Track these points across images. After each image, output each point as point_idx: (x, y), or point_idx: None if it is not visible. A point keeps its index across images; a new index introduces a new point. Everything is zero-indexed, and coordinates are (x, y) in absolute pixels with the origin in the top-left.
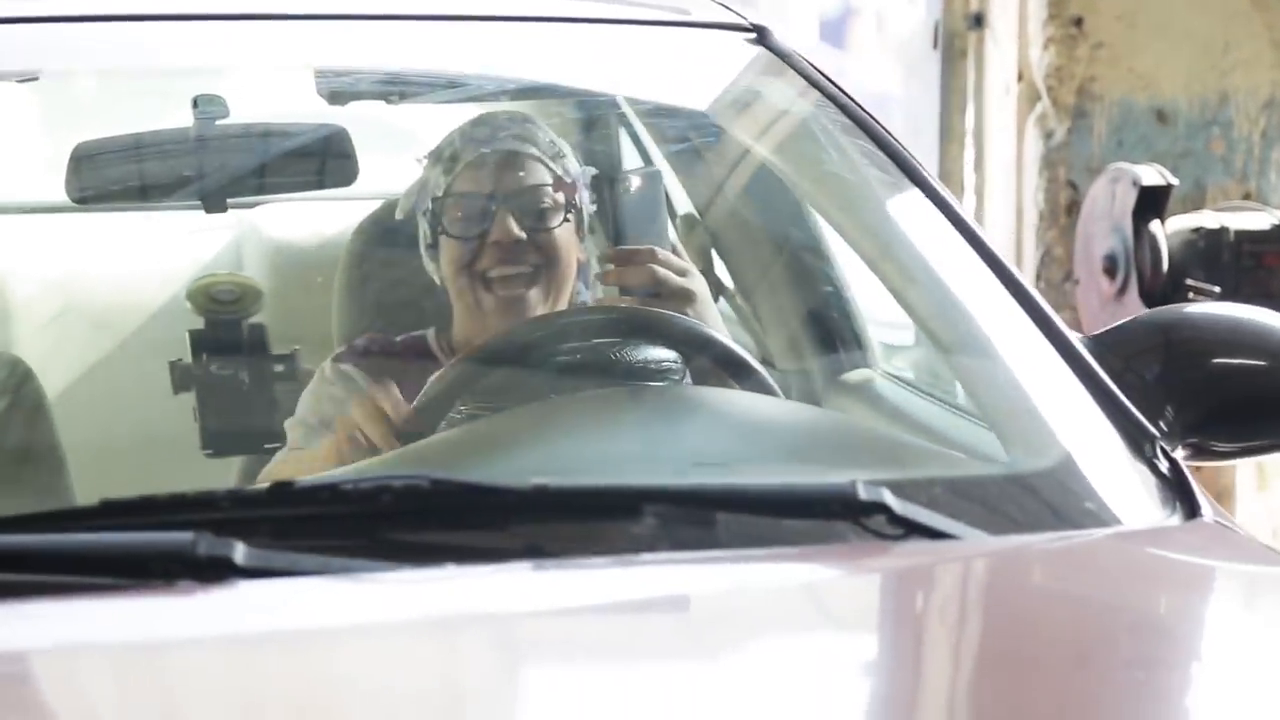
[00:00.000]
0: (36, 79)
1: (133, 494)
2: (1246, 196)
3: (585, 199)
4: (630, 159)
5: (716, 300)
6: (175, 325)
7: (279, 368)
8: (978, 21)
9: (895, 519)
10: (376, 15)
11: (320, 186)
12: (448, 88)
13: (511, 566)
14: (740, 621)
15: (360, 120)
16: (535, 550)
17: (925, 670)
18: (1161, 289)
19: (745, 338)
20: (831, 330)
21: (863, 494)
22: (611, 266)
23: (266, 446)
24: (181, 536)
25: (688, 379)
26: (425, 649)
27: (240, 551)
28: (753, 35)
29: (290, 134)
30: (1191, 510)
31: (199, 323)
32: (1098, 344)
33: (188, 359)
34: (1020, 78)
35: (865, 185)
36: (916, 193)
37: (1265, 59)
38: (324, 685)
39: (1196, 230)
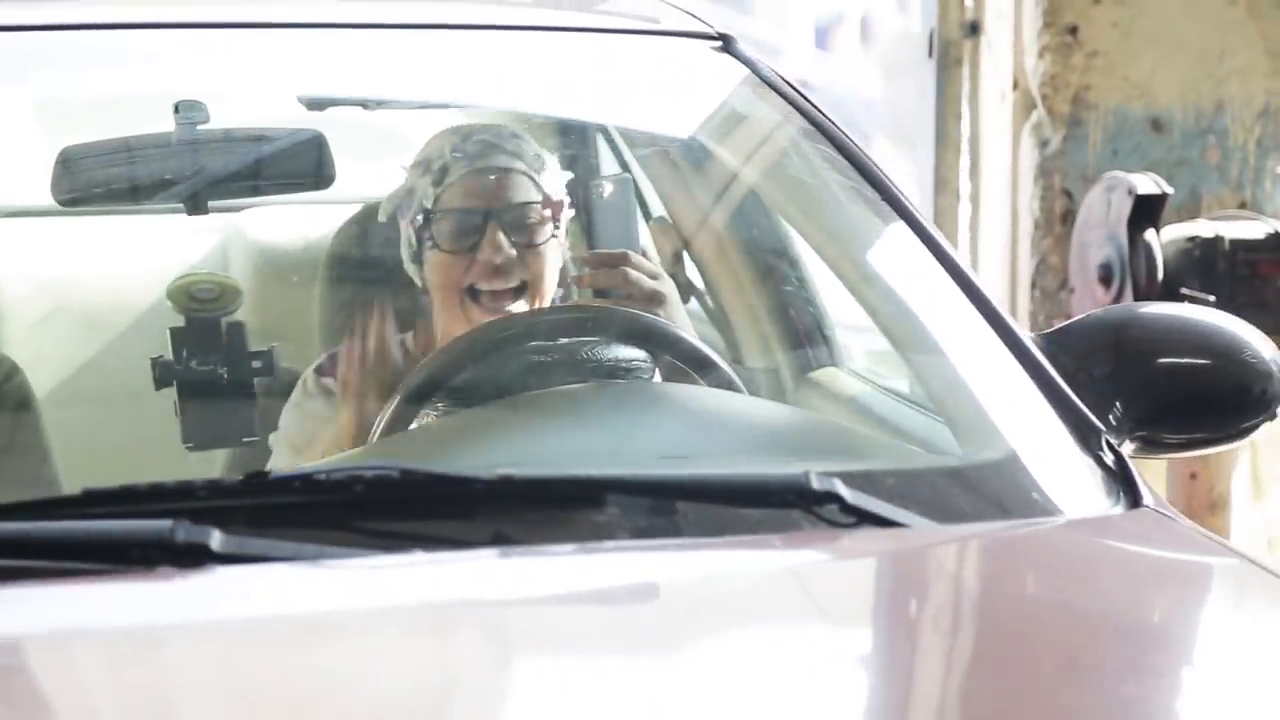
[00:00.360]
0: None
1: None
2: (1242, 205)
3: (567, 210)
4: (605, 163)
5: (687, 301)
6: (162, 325)
7: (257, 364)
8: (973, 29)
9: (847, 508)
10: (352, 24)
11: (298, 190)
12: (422, 95)
13: (478, 553)
14: (699, 606)
15: (337, 126)
16: (501, 538)
17: (872, 650)
18: (1157, 297)
19: (715, 337)
20: (799, 330)
21: (816, 484)
22: (586, 270)
23: (245, 440)
24: (160, 524)
25: (656, 377)
26: (395, 633)
27: (217, 538)
28: (718, 43)
29: (269, 139)
30: (1134, 500)
31: (180, 321)
32: (1050, 342)
33: (170, 356)
34: (1015, 86)
35: (825, 189)
36: (875, 196)
37: (1260, 68)
38: (297, 667)
39: (1192, 239)
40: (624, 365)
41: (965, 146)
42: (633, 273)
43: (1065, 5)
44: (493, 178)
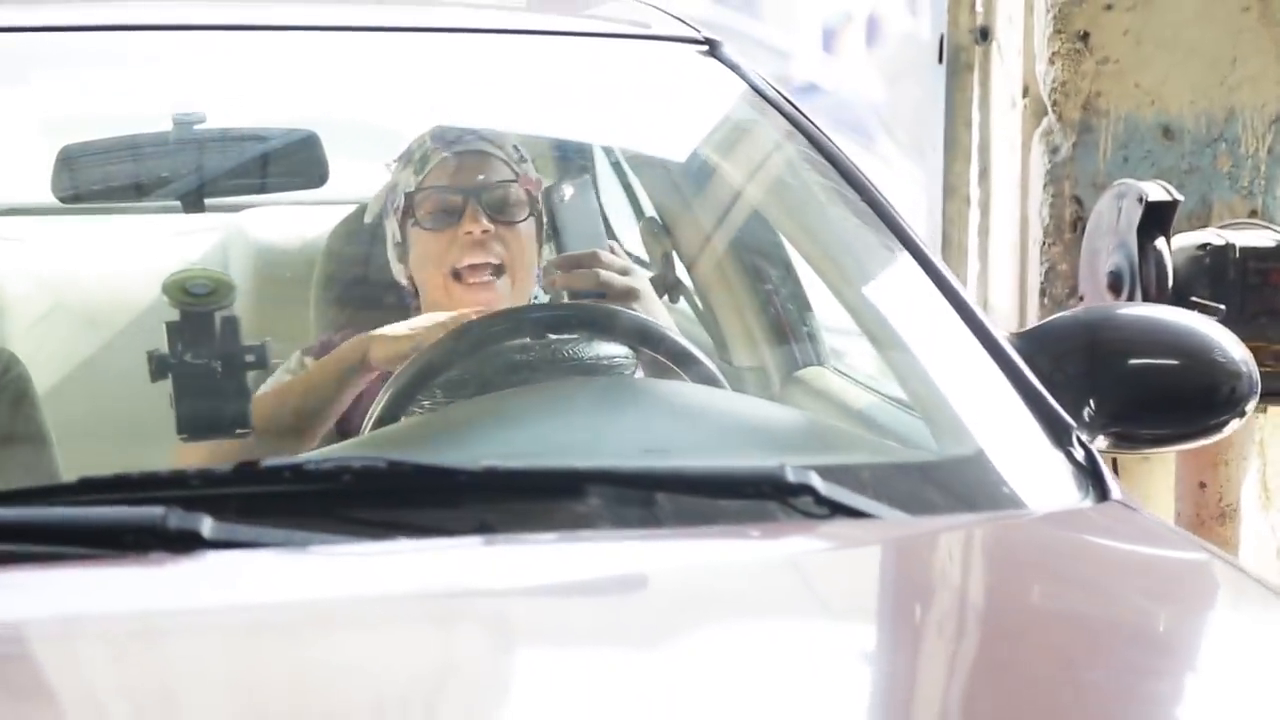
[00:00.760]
0: None
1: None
2: (1253, 213)
3: (543, 206)
4: (595, 165)
5: (676, 300)
6: (161, 322)
7: (250, 357)
8: (983, 35)
9: (821, 500)
10: (341, 27)
11: (292, 188)
12: (410, 99)
13: (463, 541)
14: (678, 593)
15: (332, 126)
16: (486, 527)
17: (841, 636)
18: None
19: (703, 336)
20: (785, 329)
21: (791, 476)
22: (557, 272)
23: (238, 431)
24: (153, 511)
25: (639, 373)
26: (382, 617)
27: (208, 525)
28: (705, 48)
29: (264, 138)
30: (1103, 494)
31: (176, 315)
32: (1027, 340)
33: (165, 350)
34: (1026, 92)
35: (808, 191)
36: (856, 198)
37: (1272, 75)
38: (285, 650)
39: (1202, 247)
40: (605, 362)
41: (975, 153)
42: (603, 272)
43: (1076, 11)
44: (472, 160)
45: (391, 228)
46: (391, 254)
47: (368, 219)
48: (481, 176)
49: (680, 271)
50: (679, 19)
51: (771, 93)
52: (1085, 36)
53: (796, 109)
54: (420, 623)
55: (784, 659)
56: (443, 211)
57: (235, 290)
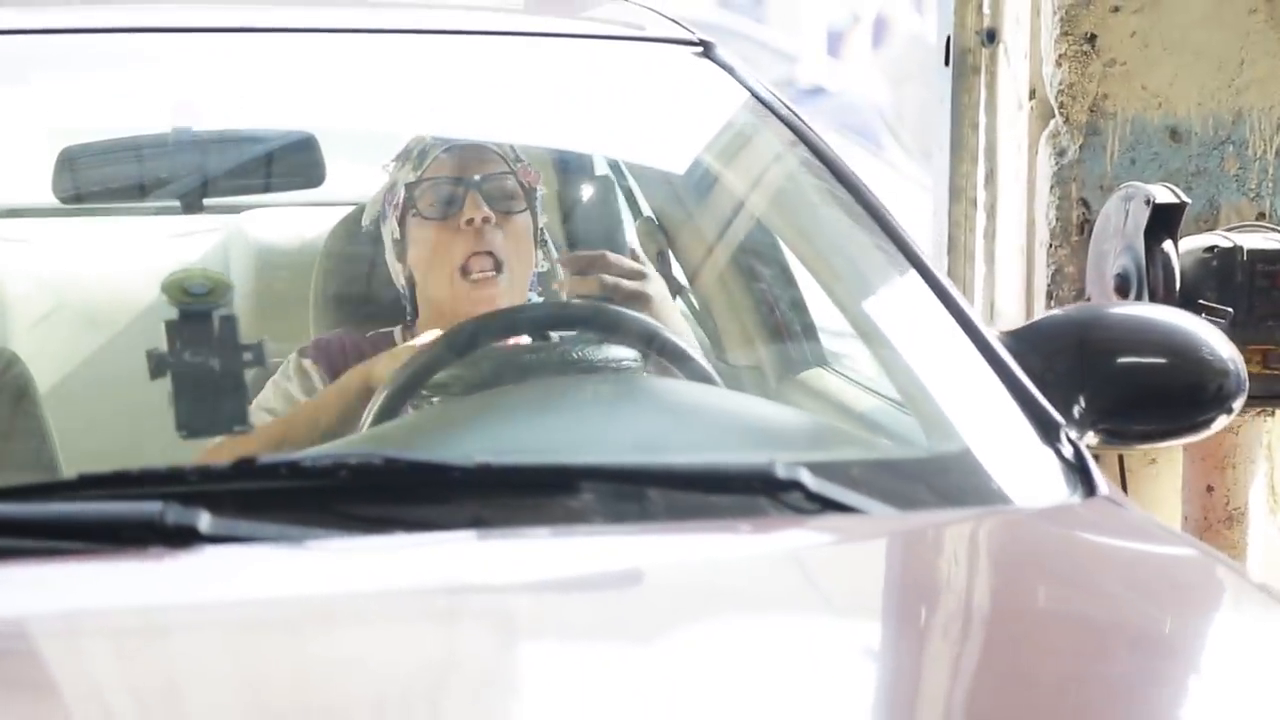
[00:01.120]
0: None
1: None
2: (1260, 216)
3: (539, 204)
4: (594, 166)
5: (674, 299)
6: (162, 322)
7: (247, 356)
8: (990, 38)
9: (810, 495)
10: (337, 29)
11: (290, 188)
12: (406, 100)
13: (457, 535)
14: (669, 586)
15: (329, 128)
16: (480, 521)
17: (826, 627)
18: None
19: (701, 336)
20: (782, 329)
21: (780, 472)
22: (565, 271)
23: (236, 428)
24: (151, 506)
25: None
26: (377, 610)
27: (205, 520)
28: (699, 49)
29: (262, 140)
30: (1090, 490)
31: (174, 314)
32: (1018, 339)
33: (164, 348)
34: (1033, 95)
35: (800, 191)
36: (849, 198)
37: None
38: (281, 642)
39: (1210, 250)
40: (609, 365)
41: (981, 155)
42: (608, 277)
43: (1083, 14)
44: (470, 153)
45: (390, 227)
46: (390, 254)
47: (366, 221)
48: (479, 165)
49: (676, 271)
50: (674, 21)
51: (765, 94)
52: (1092, 39)
53: (790, 110)
54: (415, 616)
55: (773, 651)
56: (443, 201)
57: (233, 290)
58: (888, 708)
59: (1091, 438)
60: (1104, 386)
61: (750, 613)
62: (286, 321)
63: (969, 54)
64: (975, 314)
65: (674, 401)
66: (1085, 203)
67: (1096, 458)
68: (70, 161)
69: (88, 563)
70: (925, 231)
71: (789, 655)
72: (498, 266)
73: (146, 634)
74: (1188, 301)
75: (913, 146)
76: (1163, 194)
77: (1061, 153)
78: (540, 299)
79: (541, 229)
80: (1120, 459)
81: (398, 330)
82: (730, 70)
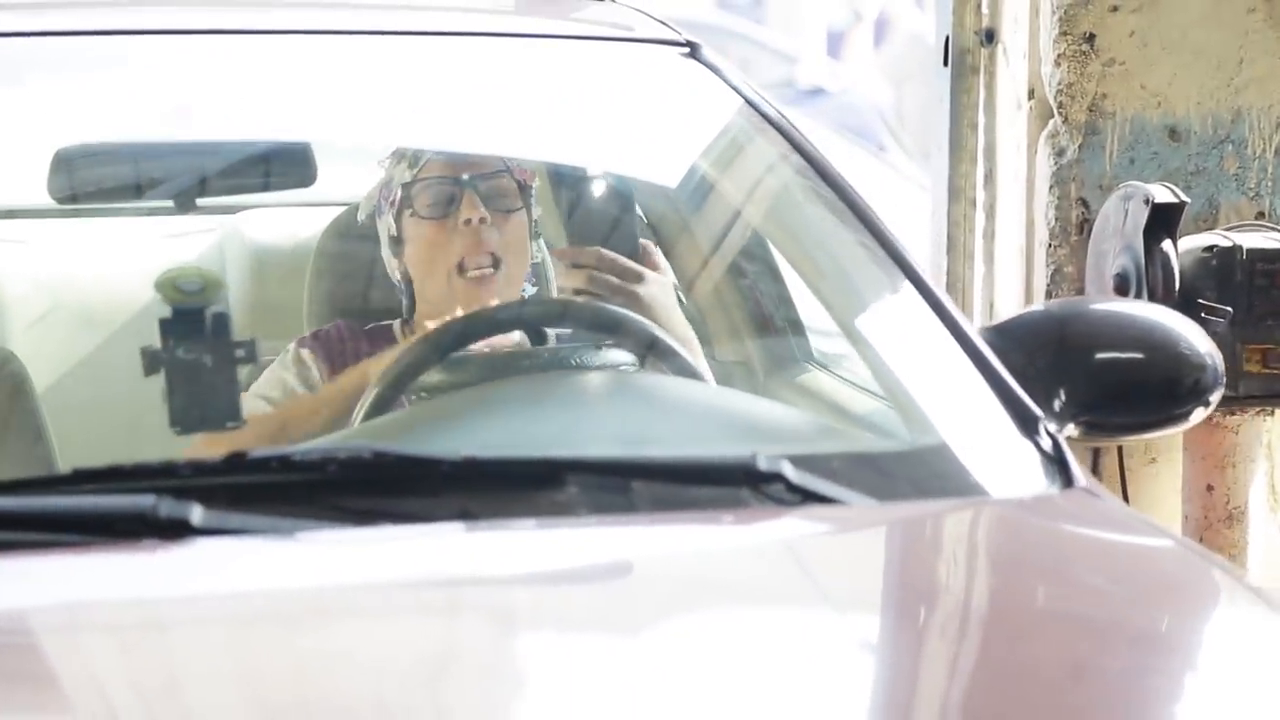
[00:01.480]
0: None
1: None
2: (1260, 215)
3: (534, 200)
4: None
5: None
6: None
7: (240, 352)
8: (989, 38)
9: (791, 487)
10: (331, 32)
11: (281, 188)
12: (394, 101)
13: (444, 527)
14: (653, 577)
15: (320, 128)
16: (467, 514)
17: (806, 615)
18: (1173, 308)
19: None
20: (773, 327)
21: (762, 465)
22: (562, 265)
23: (229, 424)
24: (143, 499)
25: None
26: (366, 600)
27: (197, 513)
28: (686, 50)
29: (254, 141)
30: (1068, 482)
31: (168, 312)
32: (1000, 334)
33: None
34: (1031, 94)
35: (785, 188)
36: (833, 196)
37: (1279, 76)
38: (271, 632)
39: (1209, 249)
40: (604, 363)
41: (980, 155)
42: (599, 273)
43: (1082, 13)
44: (465, 152)
45: (386, 223)
46: (386, 250)
47: (361, 216)
48: (476, 165)
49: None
50: (661, 22)
51: (750, 93)
52: (1091, 38)
53: (776, 109)
54: (404, 607)
55: (755, 638)
56: (440, 201)
57: (225, 287)
58: (868, 693)
59: (1072, 430)
60: (1083, 380)
61: (734, 601)
62: (282, 320)
63: (968, 54)
64: (957, 310)
65: (660, 397)
66: (1084, 202)
67: (1096, 459)
68: (64, 163)
69: (82, 555)
70: (925, 232)
71: (771, 642)
72: (495, 264)
73: (139, 625)
74: (1187, 301)
75: (913, 147)
76: (1162, 193)
77: (1060, 152)
78: (535, 289)
79: (535, 222)
80: (1120, 458)
81: (396, 324)
82: (716, 70)
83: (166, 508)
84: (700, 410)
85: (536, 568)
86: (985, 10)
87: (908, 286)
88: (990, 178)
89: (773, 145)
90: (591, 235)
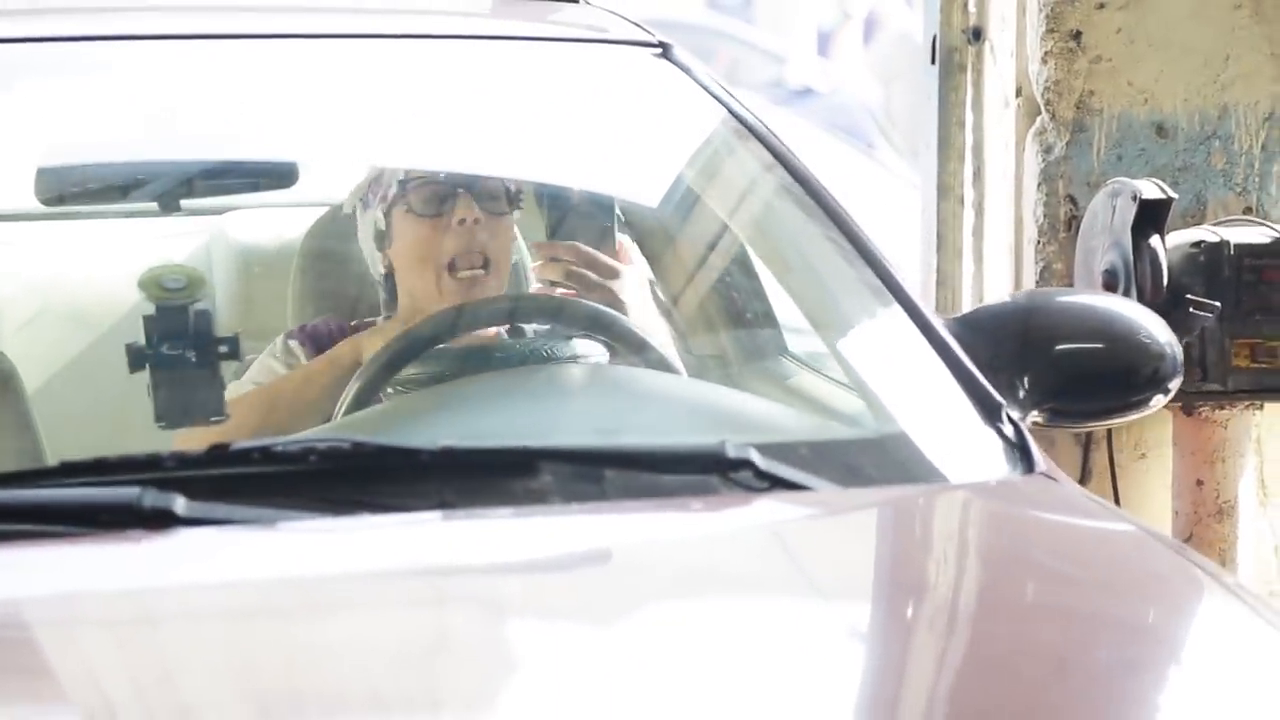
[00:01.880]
0: None
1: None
2: (1247, 210)
3: (520, 202)
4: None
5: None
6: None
7: (223, 349)
8: (976, 35)
9: (760, 474)
10: (307, 35)
11: (262, 189)
12: (371, 104)
13: (423, 516)
14: (626, 561)
15: (297, 131)
16: (444, 503)
17: (772, 598)
18: (1162, 303)
19: (667, 327)
20: (744, 320)
21: (731, 452)
22: (540, 259)
23: (213, 419)
24: (129, 491)
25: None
26: (345, 587)
27: (181, 503)
28: (658, 50)
29: (234, 143)
30: (1029, 467)
31: (152, 309)
32: (966, 324)
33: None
34: (1019, 92)
35: (753, 185)
36: (802, 193)
37: (1266, 72)
38: (254, 619)
39: (1197, 245)
40: (578, 356)
41: (968, 153)
42: (575, 267)
43: (1068, 11)
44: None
45: (373, 217)
46: (370, 243)
47: (347, 208)
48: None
49: (644, 265)
50: (635, 23)
51: (720, 92)
52: (1078, 35)
53: (744, 106)
54: (384, 593)
55: (725, 621)
56: (435, 198)
57: (208, 284)
58: (832, 673)
59: (1037, 417)
60: (1046, 369)
61: (706, 584)
62: (269, 320)
63: (955, 52)
64: (923, 302)
65: (633, 388)
66: (1072, 199)
67: (1086, 454)
68: (50, 167)
69: (69, 545)
70: (915, 229)
71: (740, 624)
72: (485, 265)
73: (124, 613)
74: (1176, 296)
75: (903, 145)
76: (1150, 190)
77: (1048, 149)
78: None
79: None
80: (1110, 453)
81: (379, 320)
82: (687, 70)
83: (151, 499)
84: (672, 401)
85: (514, 555)
86: (972, 9)
87: (874, 280)
88: (979, 175)
89: (742, 142)
90: (569, 232)
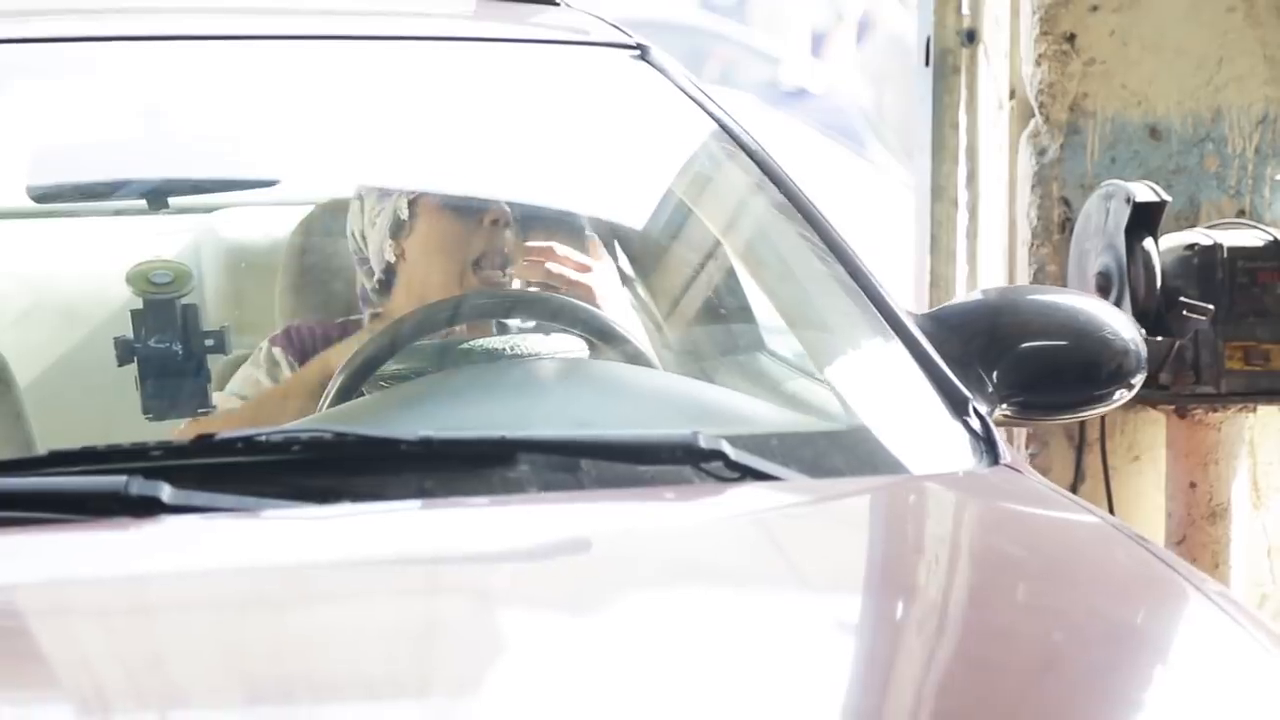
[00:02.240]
0: None
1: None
2: (1240, 213)
3: None
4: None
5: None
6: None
7: (210, 342)
8: (970, 38)
9: (731, 464)
10: (291, 36)
11: (249, 187)
12: (352, 106)
13: (402, 504)
14: (600, 549)
15: (279, 130)
16: (423, 492)
17: (741, 586)
18: (1155, 306)
19: (646, 323)
20: (720, 315)
21: (703, 443)
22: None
23: (199, 411)
24: (116, 479)
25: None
26: (327, 573)
27: (167, 491)
28: (636, 52)
29: (221, 142)
30: (995, 459)
31: (140, 304)
32: (936, 320)
33: (130, 335)
34: (1013, 94)
35: (729, 184)
36: (777, 193)
37: (1259, 75)
38: (238, 606)
39: (1190, 247)
40: (556, 349)
41: (962, 155)
42: (554, 266)
43: (1063, 13)
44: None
45: (395, 204)
46: (379, 232)
47: (353, 196)
48: None
49: (623, 263)
50: (614, 25)
51: (696, 93)
52: (1072, 38)
53: (720, 107)
54: (365, 580)
55: (696, 606)
56: (470, 196)
57: (195, 279)
58: (796, 657)
59: (1005, 410)
60: (1013, 364)
61: (678, 571)
62: (258, 316)
63: (949, 54)
64: (892, 298)
65: (609, 381)
66: (1066, 201)
67: (1080, 457)
68: (41, 165)
69: (57, 532)
70: (909, 231)
71: (713, 609)
72: (504, 264)
73: (112, 598)
74: (1169, 299)
75: (897, 147)
76: (1143, 192)
77: (1042, 152)
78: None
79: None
80: (1104, 456)
81: (366, 315)
82: (664, 71)
83: (138, 486)
84: (647, 394)
85: (493, 543)
86: (966, 11)
87: (845, 276)
88: (972, 177)
89: (717, 142)
90: (544, 230)
